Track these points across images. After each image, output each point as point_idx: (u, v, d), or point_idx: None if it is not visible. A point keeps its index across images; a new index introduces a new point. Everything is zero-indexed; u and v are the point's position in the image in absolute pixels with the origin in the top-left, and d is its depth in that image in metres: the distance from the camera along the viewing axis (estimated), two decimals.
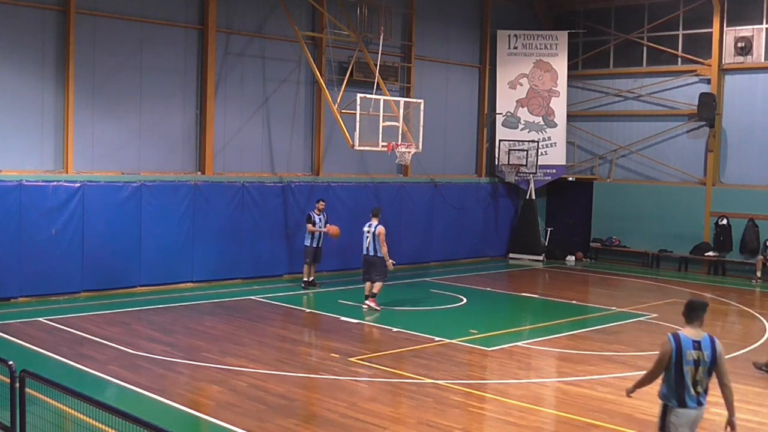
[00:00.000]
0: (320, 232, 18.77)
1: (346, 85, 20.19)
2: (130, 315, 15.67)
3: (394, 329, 14.89)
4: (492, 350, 13.61)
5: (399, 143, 19.56)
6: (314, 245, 18.86)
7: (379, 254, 16.58)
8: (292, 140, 21.37)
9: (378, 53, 20.25)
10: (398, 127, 19.60)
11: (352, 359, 12.56)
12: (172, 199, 18.61)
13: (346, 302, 17.44)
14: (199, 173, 19.46)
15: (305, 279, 19.12)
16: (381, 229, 16.68)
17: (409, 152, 19.96)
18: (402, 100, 20.52)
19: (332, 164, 21.96)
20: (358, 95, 18.92)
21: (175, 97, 19.20)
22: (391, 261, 16.65)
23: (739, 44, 23.84)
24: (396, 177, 23.45)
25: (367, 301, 16.72)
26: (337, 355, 12.80)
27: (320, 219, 18.72)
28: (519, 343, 14.07)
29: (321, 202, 18.98)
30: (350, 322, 15.42)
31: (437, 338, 14.14)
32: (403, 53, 23.62)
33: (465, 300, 18.30)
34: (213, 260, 19.30)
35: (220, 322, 15.12)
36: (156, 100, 18.87)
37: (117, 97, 18.29)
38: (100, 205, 17.54)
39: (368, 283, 16.79)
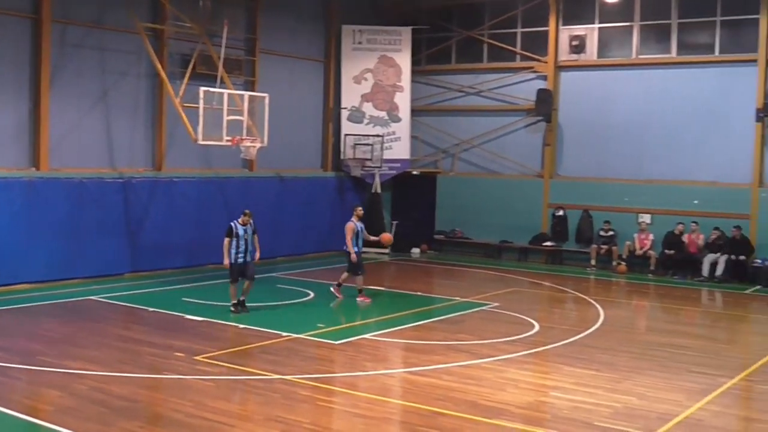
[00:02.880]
0: (243, 246, 15.87)
1: (188, 78, 19.78)
2: None
3: (241, 326, 14.73)
4: (339, 343, 13.65)
5: (244, 137, 19.35)
6: (239, 260, 15.87)
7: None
8: (133, 135, 20.77)
9: (222, 46, 19.94)
10: (243, 121, 19.37)
11: (197, 358, 12.34)
12: (4, 197, 17.73)
13: (190, 300, 17.11)
14: (34, 169, 18.62)
15: (234, 301, 16.04)
16: (347, 225, 17.59)
17: (254, 147, 19.77)
18: (246, 94, 20.28)
19: (175, 159, 21.47)
20: (202, 89, 18.58)
21: (6, 89, 18.29)
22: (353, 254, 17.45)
23: (574, 43, 24.83)
24: (241, 172, 23.19)
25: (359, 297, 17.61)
26: (182, 354, 12.53)
27: (245, 231, 15.89)
28: (366, 336, 14.18)
29: (245, 216, 15.95)
30: (195, 320, 15.13)
31: (285, 334, 14.07)
32: (247, 47, 23.36)
33: (312, 294, 18.30)
34: (50, 260, 18.47)
35: (58, 324, 14.54)
36: None
37: None
38: None
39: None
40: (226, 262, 15.89)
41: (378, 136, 25.90)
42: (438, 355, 12.95)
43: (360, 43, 26.38)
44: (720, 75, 22.92)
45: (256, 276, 16.27)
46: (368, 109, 26.49)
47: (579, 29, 24.87)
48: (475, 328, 15.23)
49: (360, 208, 18.38)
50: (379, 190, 26.01)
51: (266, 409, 10.00)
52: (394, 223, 27.00)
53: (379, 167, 25.77)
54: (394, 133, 26.54)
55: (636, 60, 24.10)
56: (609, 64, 24.55)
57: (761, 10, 22.03)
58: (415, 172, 26.97)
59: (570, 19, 25.08)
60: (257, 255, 16.19)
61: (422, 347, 13.59)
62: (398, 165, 26.60)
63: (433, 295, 19.49)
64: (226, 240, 15.79)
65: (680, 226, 22.64)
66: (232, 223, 15.90)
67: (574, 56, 24.96)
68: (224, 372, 11.67)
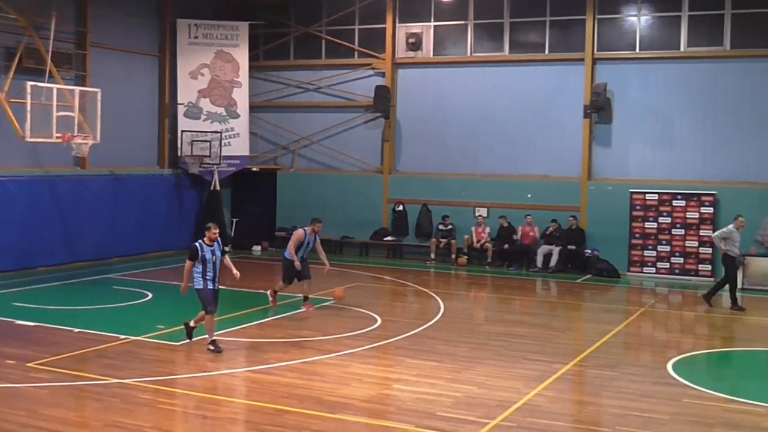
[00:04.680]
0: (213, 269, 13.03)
1: (14, 72, 18.88)
2: None
3: (76, 330, 14.16)
4: (180, 344, 13.35)
5: (75, 134, 18.65)
6: (209, 287, 12.96)
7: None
8: None
9: (50, 39, 19.13)
10: (74, 117, 18.68)
11: (30, 365, 11.78)
12: None
13: (21, 304, 16.32)
14: None
15: (192, 324, 13.61)
16: (296, 231, 16.64)
17: (86, 144, 19.11)
18: (77, 89, 19.56)
19: (1, 157, 20.41)
20: (29, 83, 17.81)
21: None
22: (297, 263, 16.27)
23: (410, 40, 25.21)
24: (73, 170, 22.29)
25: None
26: (14, 362, 11.93)
27: (212, 253, 12.91)
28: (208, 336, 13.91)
29: (208, 230, 13.01)
30: (27, 326, 14.44)
31: (122, 336, 13.64)
32: (78, 40, 22.47)
33: (151, 295, 17.82)
34: None
35: None
36: None
37: None
38: None
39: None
40: (185, 286, 13.20)
41: (216, 132, 25.48)
42: (281, 353, 12.87)
43: (196, 37, 25.85)
44: (550, 73, 23.82)
45: (89, 278, 15.66)
46: (205, 105, 26.01)
47: (415, 27, 25.28)
48: (318, 324, 15.23)
49: (320, 224, 16.89)
50: (218, 188, 25.58)
51: (104, 415, 9.66)
52: (234, 220, 26.66)
53: (218, 164, 25.36)
54: (232, 129, 26.18)
55: (471, 58, 24.71)
56: (445, 61, 25.07)
57: (587, 11, 23.02)
58: (254, 169, 26.72)
59: (407, 16, 25.45)
60: (235, 272, 13.43)
61: (265, 345, 13.48)
62: (237, 162, 26.26)
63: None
64: (189, 263, 12.91)
65: (502, 220, 23.48)
66: (197, 244, 12.89)
67: (411, 53, 25.36)
68: (59, 378, 11.18)
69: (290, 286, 16.75)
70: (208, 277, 12.85)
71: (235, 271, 13.39)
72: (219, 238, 13.06)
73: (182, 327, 13.52)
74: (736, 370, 13.44)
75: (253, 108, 26.88)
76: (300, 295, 16.58)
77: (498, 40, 24.47)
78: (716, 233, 18.19)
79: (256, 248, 26.09)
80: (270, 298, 16.82)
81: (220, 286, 13.16)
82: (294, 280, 16.51)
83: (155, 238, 24.47)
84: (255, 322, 15.29)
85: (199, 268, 12.83)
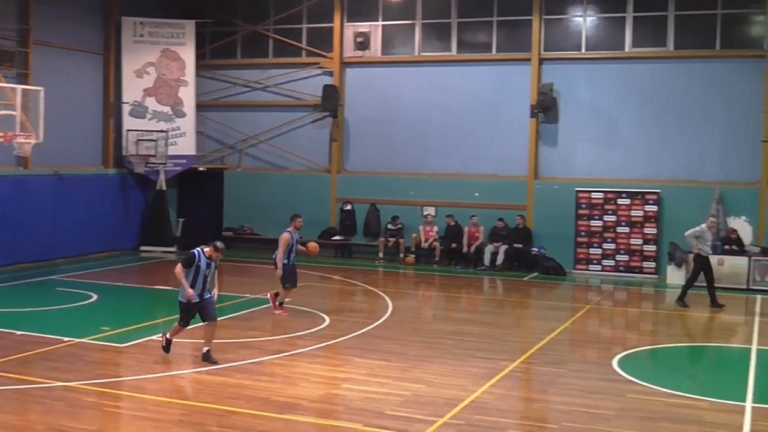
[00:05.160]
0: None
1: None
2: None
3: (18, 333, 13.88)
4: (126, 346, 13.19)
5: (17, 133, 18.28)
6: (195, 300, 12.33)
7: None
8: None
9: None
10: (16, 116, 18.30)
11: None
12: None
13: None
14: None
15: (167, 338, 12.76)
16: (282, 236, 16.11)
17: (28, 143, 18.74)
18: (19, 87, 19.14)
19: None
20: None
21: None
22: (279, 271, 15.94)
23: (358, 39, 25.20)
24: (15, 170, 21.88)
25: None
26: None
27: (208, 266, 12.36)
28: (154, 337, 13.72)
29: (216, 251, 12.34)
30: None
31: (66, 339, 13.42)
32: (20, 37, 22.06)
33: (96, 297, 17.56)
34: None
35: None
36: None
37: None
38: None
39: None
40: (190, 292, 12.22)
41: (162, 131, 25.21)
42: (229, 354, 12.77)
43: (141, 35, 25.54)
44: (497, 72, 23.99)
45: (32, 279, 15.36)
46: (151, 103, 25.71)
47: (363, 26, 25.28)
48: (266, 325, 15.16)
49: (300, 219, 16.39)
50: (164, 187, 25.32)
51: (48, 419, 9.50)
52: (181, 220, 26.39)
53: (164, 164, 25.09)
54: (179, 128, 25.91)
55: (418, 57, 24.78)
56: (393, 60, 25.11)
57: (534, 12, 23.22)
58: (201, 169, 26.48)
59: (354, 15, 25.43)
60: (215, 292, 12.81)
61: (213, 346, 13.34)
62: (184, 161, 26.00)
63: (222, 293, 19.11)
64: (180, 267, 12.28)
65: (449, 219, 23.59)
66: (195, 251, 12.31)
67: (359, 53, 25.34)
68: (2, 382, 10.95)
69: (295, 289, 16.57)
70: (197, 287, 12.24)
71: (216, 290, 12.81)
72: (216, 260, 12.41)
73: (129, 329, 13.35)
74: (679, 365, 13.65)
75: (199, 107, 26.64)
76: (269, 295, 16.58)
77: (445, 40, 24.56)
78: (689, 232, 18.10)
79: None
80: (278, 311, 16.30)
81: (207, 296, 12.48)
82: (285, 284, 16.26)
83: (100, 239, 24.11)
84: (201, 323, 15.12)
85: (189, 276, 12.22)
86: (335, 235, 25.28)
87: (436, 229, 23.93)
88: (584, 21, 23.22)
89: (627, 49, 22.76)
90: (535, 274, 22.40)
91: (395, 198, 24.72)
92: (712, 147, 22.03)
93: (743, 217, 21.51)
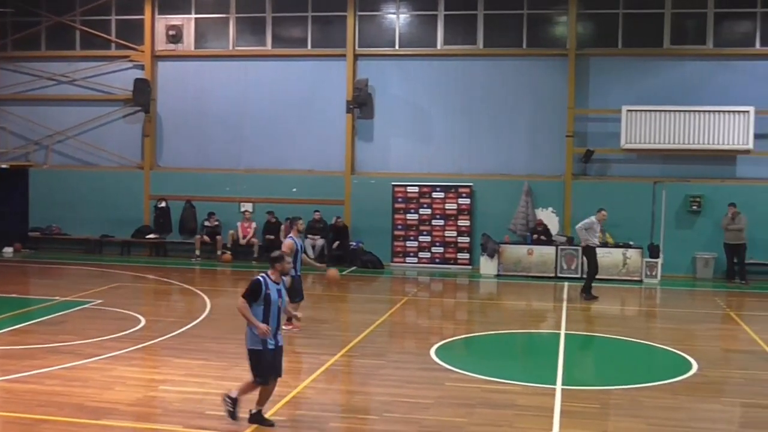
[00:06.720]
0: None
1: None
2: None
3: None
4: None
5: None
6: (270, 345, 9.43)
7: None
8: None
9: None
10: None
11: None
12: None
13: None
14: None
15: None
16: (286, 242, 14.27)
17: None
18: None
19: None
20: None
21: None
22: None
23: (171, 32, 24.62)
24: None
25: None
26: None
27: (279, 292, 9.57)
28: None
29: (286, 259, 9.75)
30: None
31: None
32: None
33: None
34: None
35: None
36: None
37: None
38: None
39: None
40: (263, 327, 9.17)
41: None
42: (38, 359, 12.17)
43: None
44: (313, 68, 24.04)
45: None
46: None
47: (176, 19, 24.72)
48: (78, 328, 14.54)
49: (301, 222, 14.76)
50: None
51: None
52: None
53: None
54: None
55: (233, 51, 24.48)
56: (206, 54, 24.69)
57: (348, 8, 23.41)
58: (3, 166, 25.11)
59: (166, 8, 24.82)
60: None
61: (20, 352, 12.68)
62: None
63: (29, 297, 18.29)
64: (244, 303, 9.33)
65: (269, 215, 23.56)
66: (259, 278, 9.41)
67: (172, 46, 24.77)
68: None
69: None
70: (272, 326, 9.30)
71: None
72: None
73: None
74: (494, 352, 14.11)
75: (1, 101, 25.26)
76: None
77: (260, 35, 24.38)
78: (579, 224, 18.51)
79: (8, 250, 24.56)
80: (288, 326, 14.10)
81: (282, 343, 9.63)
82: (296, 298, 14.23)
83: None
84: (7, 329, 14.36)
85: (258, 312, 9.30)
86: (149, 233, 24.63)
87: (254, 225, 23.74)
88: (398, 18, 23.63)
89: (439, 46, 23.34)
90: (354, 268, 22.61)
91: (211, 194, 24.34)
92: (520, 142, 22.95)
93: (550, 209, 22.56)
